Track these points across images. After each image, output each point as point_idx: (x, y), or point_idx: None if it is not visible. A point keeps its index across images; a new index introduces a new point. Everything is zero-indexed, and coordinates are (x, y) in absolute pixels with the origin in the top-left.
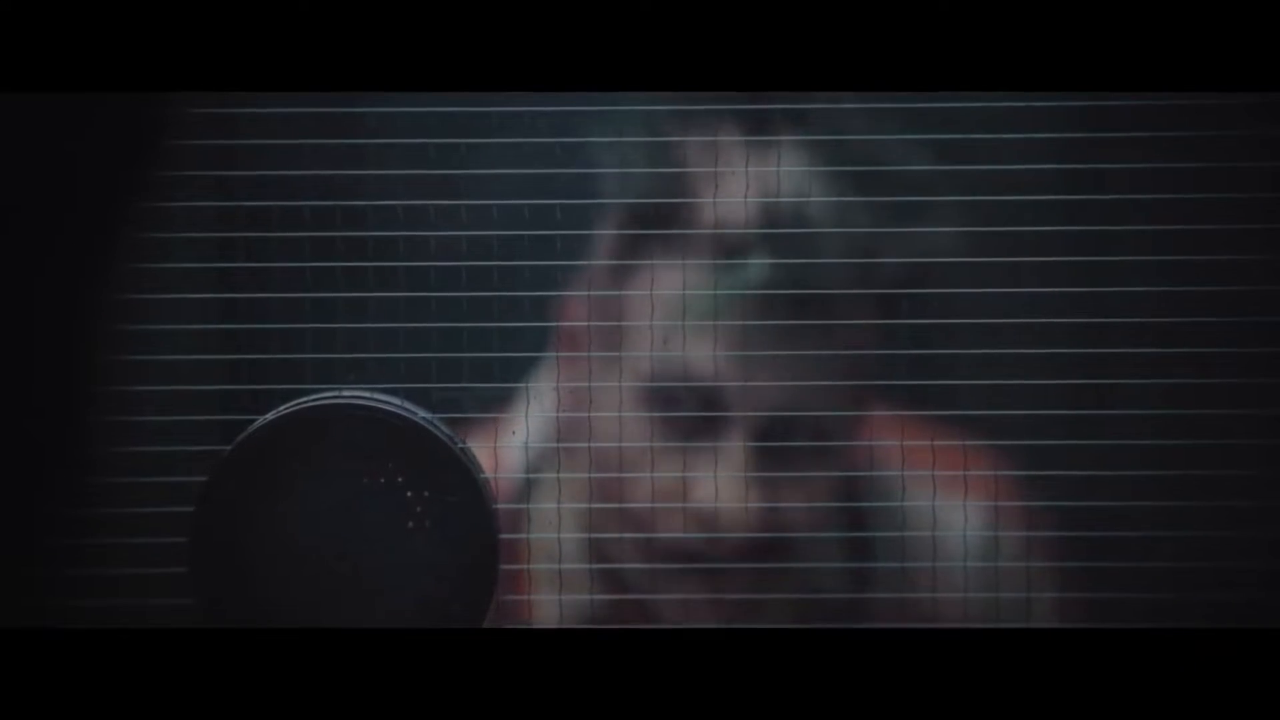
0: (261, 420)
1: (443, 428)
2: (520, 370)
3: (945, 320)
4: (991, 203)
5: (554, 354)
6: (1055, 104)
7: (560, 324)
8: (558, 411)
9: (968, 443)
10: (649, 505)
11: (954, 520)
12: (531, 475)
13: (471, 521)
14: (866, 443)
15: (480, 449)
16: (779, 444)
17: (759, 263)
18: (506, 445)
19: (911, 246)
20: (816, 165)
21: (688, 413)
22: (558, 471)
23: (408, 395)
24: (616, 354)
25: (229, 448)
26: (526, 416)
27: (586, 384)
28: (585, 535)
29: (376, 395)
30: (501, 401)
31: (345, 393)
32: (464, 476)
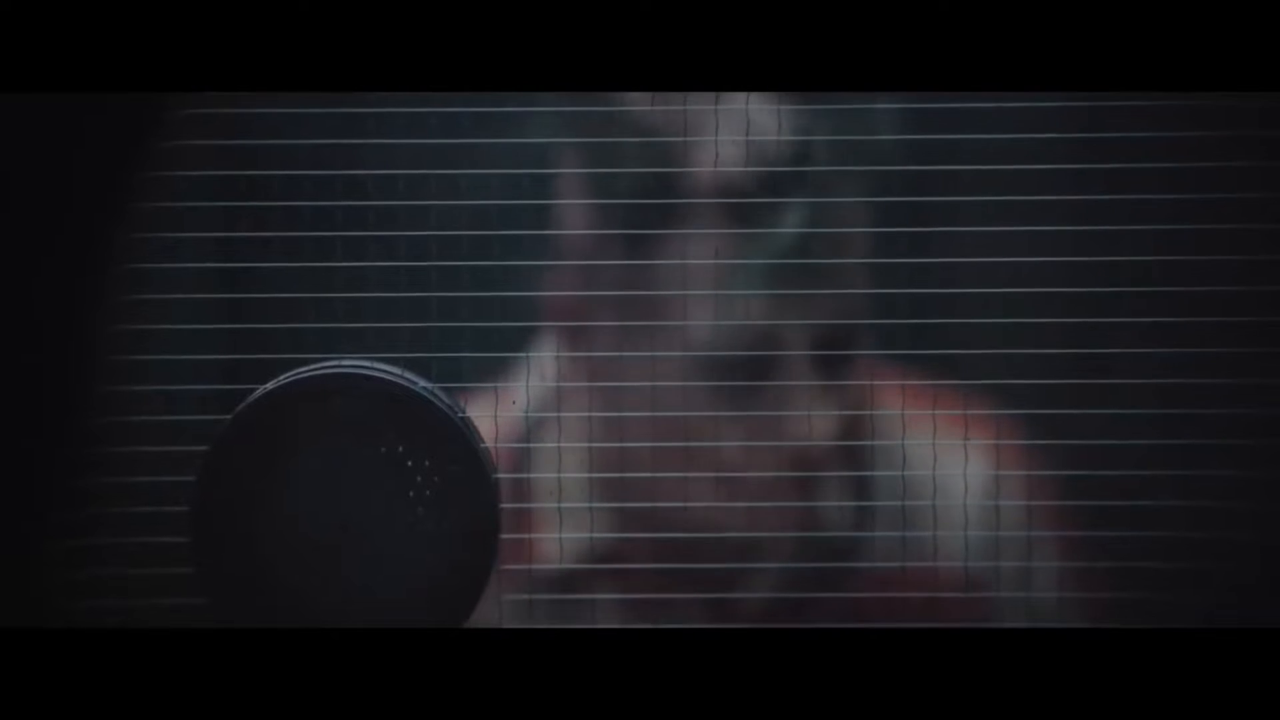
0: (262, 390)
1: (443, 397)
2: (520, 340)
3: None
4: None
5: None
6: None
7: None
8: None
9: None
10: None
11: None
12: (532, 445)
13: (472, 491)
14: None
15: (480, 418)
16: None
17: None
18: (507, 415)
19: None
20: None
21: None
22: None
23: (408, 365)
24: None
25: (229, 417)
26: (527, 386)
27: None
28: (587, 505)
29: (377, 365)
30: (501, 371)
31: (345, 362)
32: (464, 446)
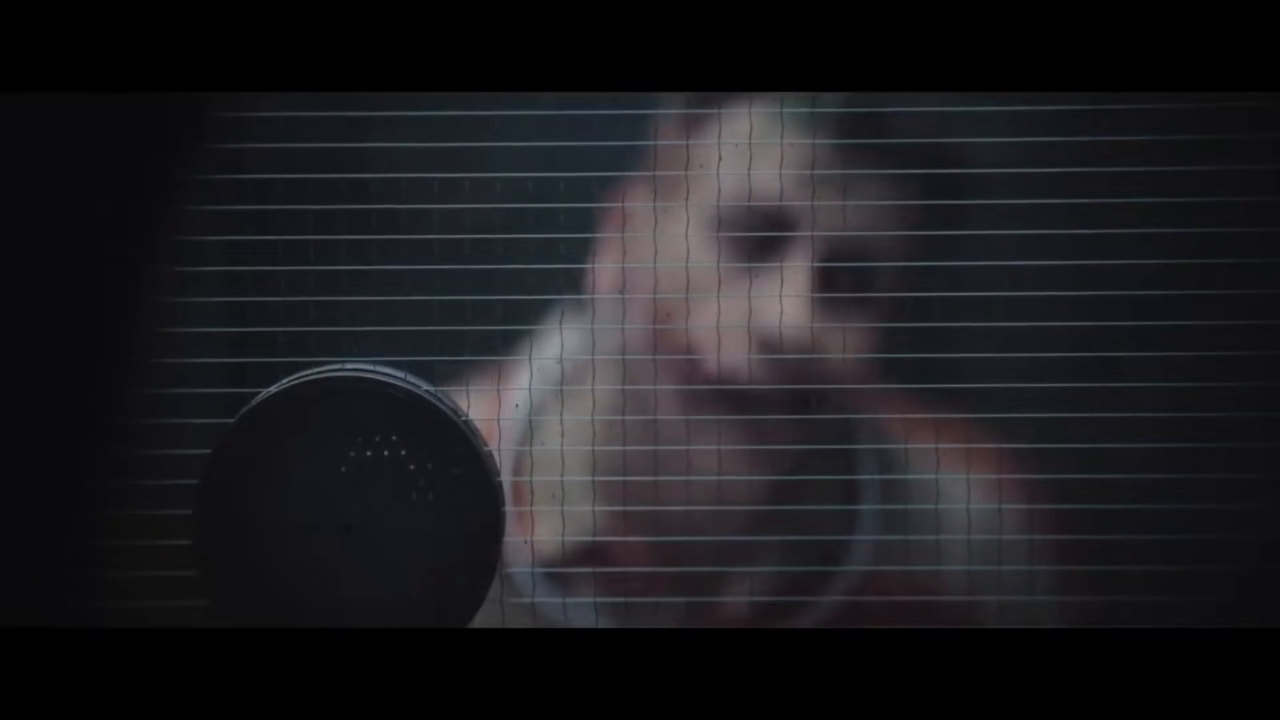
0: (266, 393)
1: (446, 400)
2: (523, 343)
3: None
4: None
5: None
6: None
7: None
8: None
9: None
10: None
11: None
12: (534, 448)
13: (475, 494)
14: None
15: (483, 422)
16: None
17: None
18: (509, 418)
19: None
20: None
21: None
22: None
23: (411, 368)
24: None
25: (233, 420)
26: (530, 389)
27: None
28: (590, 478)
29: (380, 368)
30: (504, 374)
31: (349, 366)
32: (468, 449)
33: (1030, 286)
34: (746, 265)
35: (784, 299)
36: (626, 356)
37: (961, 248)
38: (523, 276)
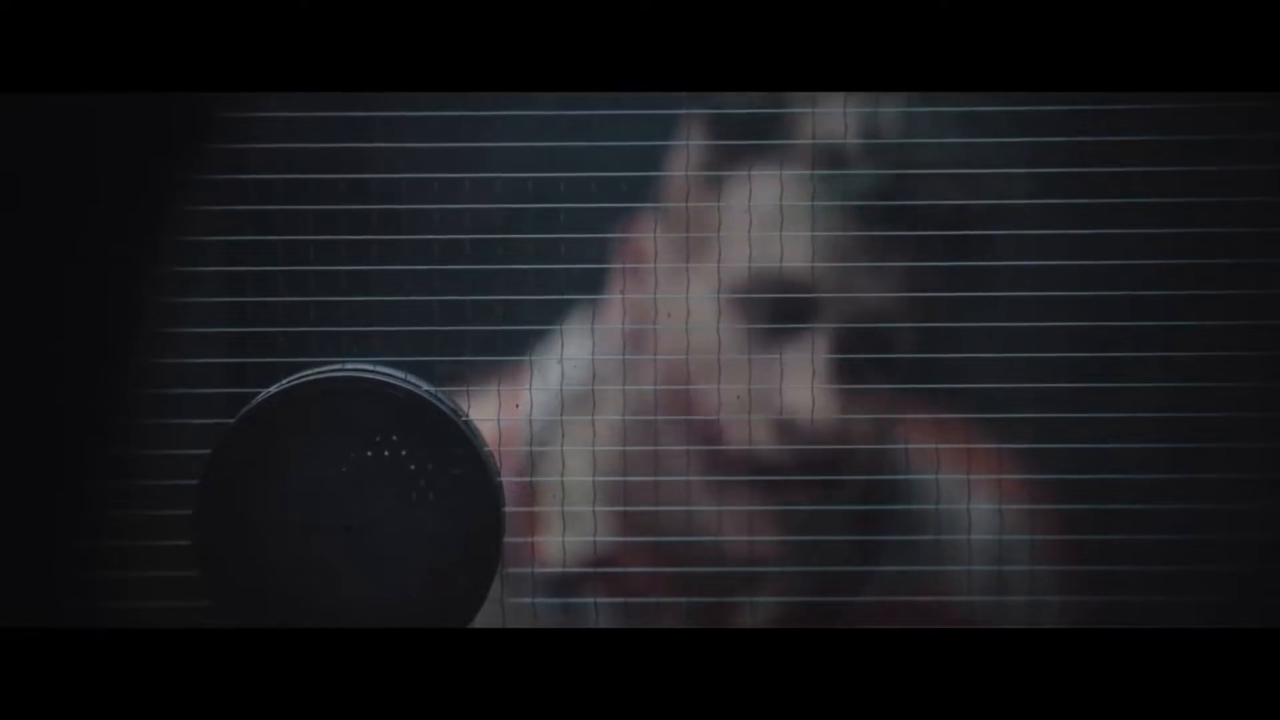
0: (266, 393)
1: (446, 401)
2: (523, 343)
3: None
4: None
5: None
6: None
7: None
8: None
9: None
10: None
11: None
12: (536, 449)
13: (475, 494)
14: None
15: (483, 422)
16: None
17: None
18: (510, 419)
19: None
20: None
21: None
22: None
23: (411, 368)
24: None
25: (233, 420)
26: (530, 390)
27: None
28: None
29: (380, 368)
30: (505, 374)
31: (349, 365)
32: (468, 449)
33: (1031, 286)
34: (762, 326)
35: (799, 366)
36: (627, 418)
37: (962, 248)
38: (523, 276)
